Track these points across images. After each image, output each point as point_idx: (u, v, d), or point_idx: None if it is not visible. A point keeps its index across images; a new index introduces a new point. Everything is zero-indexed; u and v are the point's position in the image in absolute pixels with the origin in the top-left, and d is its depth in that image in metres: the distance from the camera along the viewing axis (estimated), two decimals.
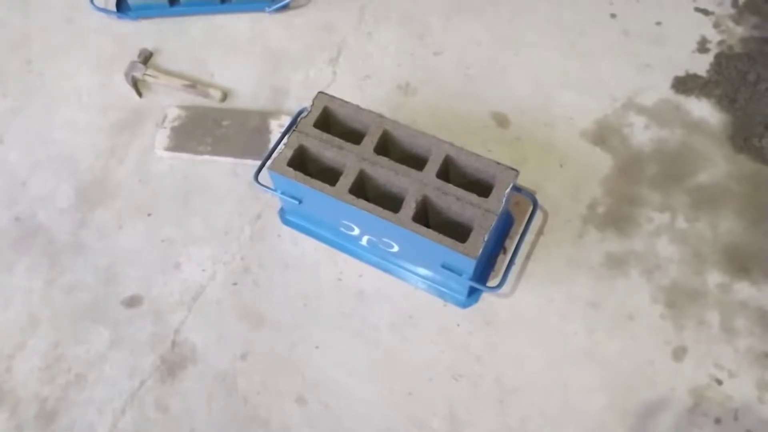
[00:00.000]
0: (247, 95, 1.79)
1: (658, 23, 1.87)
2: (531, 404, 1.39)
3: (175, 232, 1.60)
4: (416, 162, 1.38)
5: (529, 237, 1.55)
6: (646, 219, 1.58)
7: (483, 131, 1.70)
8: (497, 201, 1.31)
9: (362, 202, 1.32)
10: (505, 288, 1.47)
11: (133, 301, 1.52)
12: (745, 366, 1.41)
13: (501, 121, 1.71)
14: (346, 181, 1.35)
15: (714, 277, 1.50)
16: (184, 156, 1.69)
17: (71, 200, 1.65)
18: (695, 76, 1.77)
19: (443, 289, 1.49)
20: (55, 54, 1.89)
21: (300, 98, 1.75)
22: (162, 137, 1.71)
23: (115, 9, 1.94)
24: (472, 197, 1.32)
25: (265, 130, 1.70)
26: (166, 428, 1.39)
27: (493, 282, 1.48)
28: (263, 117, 1.73)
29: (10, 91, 1.83)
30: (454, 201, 1.32)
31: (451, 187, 1.33)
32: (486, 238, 1.26)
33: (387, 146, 1.43)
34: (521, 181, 1.54)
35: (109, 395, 1.42)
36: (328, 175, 1.38)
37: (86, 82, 1.84)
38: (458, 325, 1.47)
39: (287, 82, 1.80)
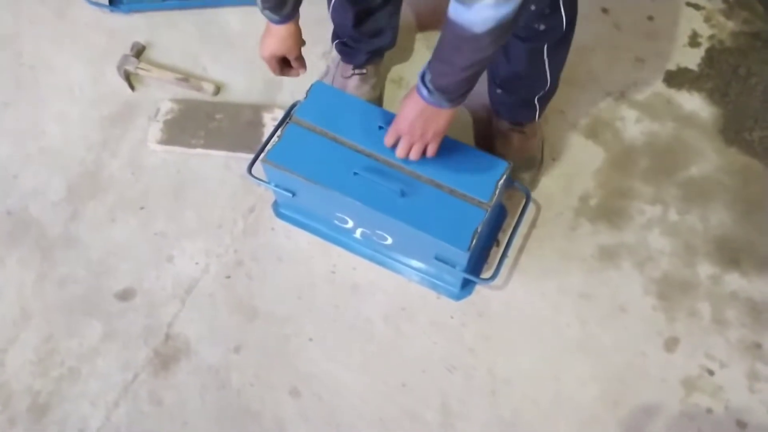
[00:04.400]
0: (240, 88, 1.79)
1: (650, 18, 1.88)
2: (523, 395, 1.39)
3: (168, 226, 1.60)
4: None
5: (522, 230, 1.55)
6: (637, 212, 1.59)
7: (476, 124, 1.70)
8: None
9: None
10: (498, 280, 1.47)
11: (126, 295, 1.52)
12: (735, 356, 1.42)
13: None
14: None
15: (705, 269, 1.52)
16: (177, 149, 1.69)
17: (63, 194, 1.64)
18: (686, 70, 1.78)
19: (437, 281, 1.49)
20: (47, 47, 1.88)
21: (293, 91, 1.75)
22: (155, 131, 1.70)
23: (107, 2, 1.93)
24: None
25: (258, 124, 1.70)
26: (160, 421, 1.39)
27: (486, 274, 1.49)
28: (256, 110, 1.73)
29: (1, 84, 1.82)
30: None
31: None
32: (479, 231, 1.27)
33: None
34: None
35: (102, 388, 1.42)
36: None
37: (78, 75, 1.83)
38: (452, 317, 1.47)
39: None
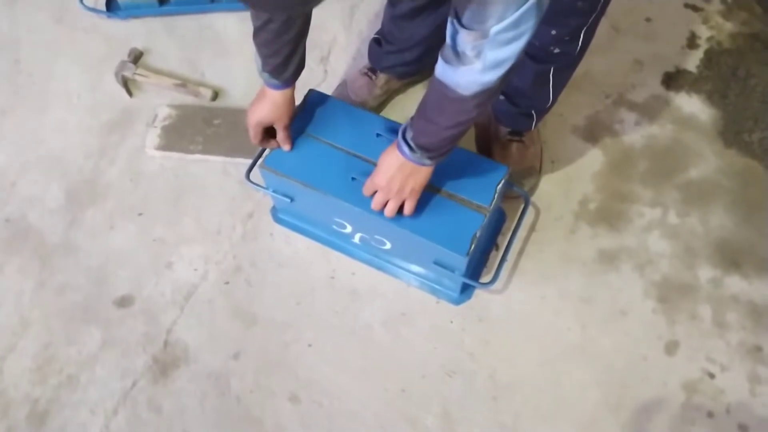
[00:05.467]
0: (238, 94, 1.79)
1: (648, 19, 1.87)
2: (524, 400, 1.39)
3: (167, 232, 1.59)
4: None
5: (521, 233, 1.55)
6: (637, 215, 1.58)
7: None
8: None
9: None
10: (498, 285, 1.47)
11: (124, 301, 1.52)
12: (736, 360, 1.41)
13: None
14: None
15: (705, 272, 1.51)
16: (175, 155, 1.68)
17: (61, 201, 1.64)
18: (685, 72, 1.78)
19: (436, 286, 1.49)
20: (45, 54, 1.88)
21: None
22: (152, 137, 1.70)
23: (104, 8, 1.93)
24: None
25: None
26: (159, 428, 1.38)
27: (485, 278, 1.48)
28: None
29: None
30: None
31: None
32: (478, 235, 1.26)
33: None
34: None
35: (101, 396, 1.42)
36: None
37: (76, 82, 1.83)
38: (451, 321, 1.47)
39: None
